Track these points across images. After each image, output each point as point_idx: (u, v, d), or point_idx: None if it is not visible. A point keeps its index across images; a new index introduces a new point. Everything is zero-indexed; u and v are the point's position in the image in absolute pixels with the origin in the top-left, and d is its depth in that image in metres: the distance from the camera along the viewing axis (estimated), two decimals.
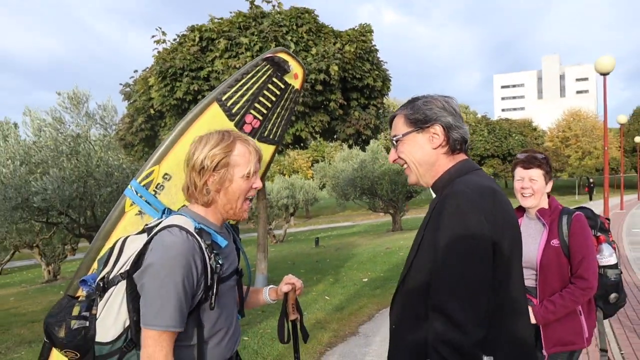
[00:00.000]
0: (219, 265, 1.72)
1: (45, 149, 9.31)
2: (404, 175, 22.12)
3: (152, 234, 1.72)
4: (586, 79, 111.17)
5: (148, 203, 2.20)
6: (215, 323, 1.78)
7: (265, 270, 9.09)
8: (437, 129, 1.63)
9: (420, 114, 1.65)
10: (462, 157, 1.67)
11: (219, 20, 8.30)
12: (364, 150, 10.28)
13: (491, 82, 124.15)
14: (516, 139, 19.83)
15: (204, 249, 1.69)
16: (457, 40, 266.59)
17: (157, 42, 8.57)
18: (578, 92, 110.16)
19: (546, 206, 2.74)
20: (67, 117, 9.99)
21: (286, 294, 2.11)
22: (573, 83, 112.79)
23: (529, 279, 2.72)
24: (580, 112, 57.55)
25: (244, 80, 2.37)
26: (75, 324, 1.76)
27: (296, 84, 2.51)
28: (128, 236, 1.88)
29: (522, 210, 2.84)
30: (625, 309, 6.77)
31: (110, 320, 1.74)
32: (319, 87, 7.65)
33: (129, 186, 2.23)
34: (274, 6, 8.47)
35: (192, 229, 1.69)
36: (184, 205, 1.89)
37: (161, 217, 1.94)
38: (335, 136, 9.00)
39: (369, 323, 6.69)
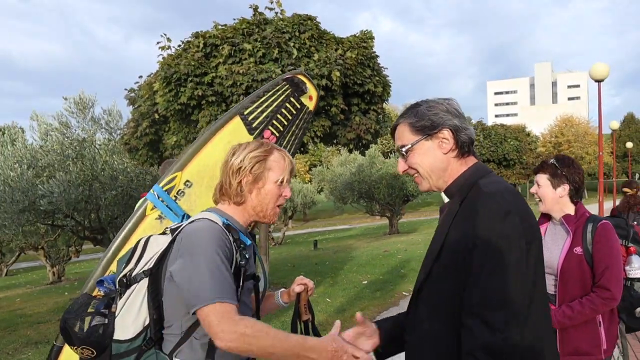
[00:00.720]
0: (244, 260, 1.76)
1: (52, 152, 9.39)
2: (400, 179, 22.37)
3: (178, 232, 1.77)
4: (578, 85, 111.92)
5: (169, 208, 2.25)
6: None
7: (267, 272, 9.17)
8: (446, 133, 1.58)
9: (426, 121, 1.59)
10: (473, 159, 1.63)
11: (223, 27, 8.38)
12: (363, 154, 10.42)
13: (485, 89, 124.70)
14: (511, 144, 20.03)
15: (231, 241, 1.74)
16: (452, 48, 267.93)
17: (162, 48, 8.66)
18: (570, 98, 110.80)
19: (572, 212, 2.65)
20: (73, 122, 10.07)
21: (298, 295, 2.10)
22: (565, 90, 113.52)
23: (549, 285, 2.63)
24: (572, 119, 58.01)
25: (264, 97, 2.48)
26: (94, 321, 1.77)
27: (310, 105, 2.61)
28: (151, 235, 1.91)
29: (548, 216, 2.76)
30: None
31: (131, 318, 1.76)
32: (321, 93, 7.79)
33: (151, 190, 2.28)
34: (276, 13, 8.58)
35: (220, 223, 1.74)
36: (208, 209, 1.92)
37: (181, 222, 1.99)
38: (335, 141, 9.10)
39: None
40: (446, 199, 1.66)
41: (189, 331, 1.73)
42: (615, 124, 30.28)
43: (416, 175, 1.65)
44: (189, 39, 8.47)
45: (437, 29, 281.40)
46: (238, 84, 7.62)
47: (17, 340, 7.34)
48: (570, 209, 2.66)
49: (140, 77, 9.29)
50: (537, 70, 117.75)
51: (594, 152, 50.92)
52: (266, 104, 2.47)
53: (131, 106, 9.39)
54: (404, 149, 1.64)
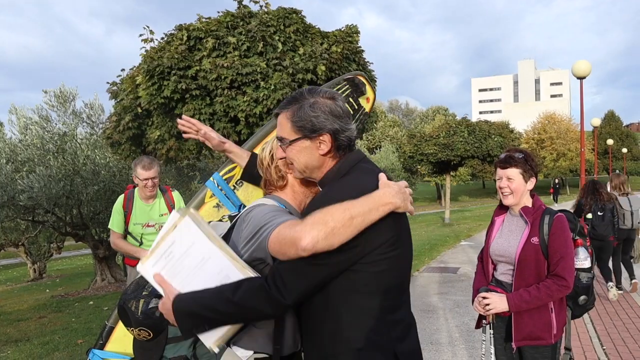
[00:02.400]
0: None
1: (32, 147, 9.24)
2: (386, 175, 22.44)
3: (236, 219, 1.81)
4: (560, 83, 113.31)
5: (227, 197, 2.27)
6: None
7: None
8: (325, 137, 1.64)
9: (307, 122, 1.63)
10: (344, 155, 1.69)
11: (207, 20, 8.28)
12: None
13: (469, 85, 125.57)
14: (495, 140, 20.15)
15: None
16: (437, 44, 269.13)
17: (145, 40, 8.53)
18: (552, 95, 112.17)
19: (530, 204, 2.80)
20: (54, 116, 9.93)
21: None
22: (548, 87, 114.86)
23: (506, 274, 2.82)
24: (554, 116, 58.78)
25: None
26: (151, 303, 1.80)
27: (367, 107, 2.64)
28: (210, 221, 1.95)
29: (505, 207, 2.92)
30: (605, 306, 7.01)
31: None
32: (306, 87, 7.74)
33: (211, 178, 2.31)
34: (261, 6, 8.51)
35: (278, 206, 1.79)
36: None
37: (238, 212, 2.01)
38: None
39: None
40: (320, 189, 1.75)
41: None
42: (597, 121, 30.74)
43: (291, 165, 1.73)
44: (173, 32, 8.38)
45: (423, 25, 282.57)
46: (222, 77, 7.55)
47: None
48: (529, 201, 2.81)
49: (123, 70, 9.16)
50: (520, 67, 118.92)
51: (576, 148, 51.64)
52: None
53: (113, 100, 9.27)
54: (281, 143, 1.71)
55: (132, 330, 1.83)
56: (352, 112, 2.52)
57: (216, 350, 1.63)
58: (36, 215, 9.60)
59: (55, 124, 9.94)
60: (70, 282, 12.75)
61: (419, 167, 22.42)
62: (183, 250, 1.58)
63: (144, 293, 1.83)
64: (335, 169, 1.67)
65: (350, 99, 2.53)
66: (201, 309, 1.53)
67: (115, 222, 4.58)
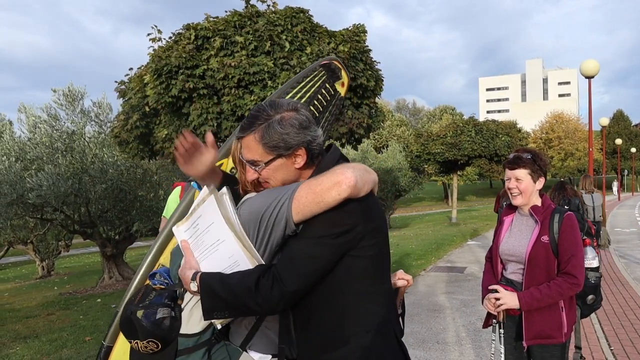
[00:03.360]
0: None
1: (41, 145, 9.30)
2: (393, 174, 22.42)
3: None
4: (568, 82, 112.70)
5: None
6: None
7: None
8: (300, 151, 1.61)
9: (280, 141, 1.59)
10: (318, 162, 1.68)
11: (215, 19, 8.29)
12: (356, 149, 10.40)
13: (477, 85, 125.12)
14: (503, 140, 20.07)
15: None
16: (444, 44, 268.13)
17: (153, 40, 8.55)
18: (560, 95, 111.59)
19: (539, 204, 2.81)
20: (62, 114, 9.99)
21: (397, 289, 2.00)
22: (556, 86, 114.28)
23: (517, 272, 2.82)
24: (562, 115, 58.47)
25: (303, 83, 2.51)
26: (159, 313, 1.71)
27: (342, 91, 2.63)
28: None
29: (513, 207, 2.93)
30: (612, 306, 6.98)
31: (200, 313, 1.65)
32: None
33: None
34: (269, 6, 8.51)
35: None
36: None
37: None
38: (328, 134, 9.05)
39: None
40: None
41: (259, 321, 1.70)
42: (605, 121, 30.48)
43: (266, 184, 1.67)
44: (180, 31, 8.40)
45: (430, 24, 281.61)
46: (230, 76, 7.56)
47: (5, 335, 7.27)
48: (538, 201, 2.83)
49: (131, 69, 9.18)
50: (528, 67, 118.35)
51: (584, 148, 51.34)
52: (305, 89, 2.50)
53: (121, 99, 9.28)
54: (253, 165, 1.64)
55: (138, 343, 1.72)
56: (329, 97, 2.54)
57: (219, 326, 1.63)
58: (44, 213, 9.65)
59: (64, 122, 10.01)
60: (78, 280, 12.84)
61: (426, 166, 22.38)
62: (205, 227, 1.58)
63: (147, 302, 1.76)
64: (315, 174, 1.64)
65: (327, 85, 2.53)
66: (227, 294, 1.50)
67: (169, 211, 4.62)
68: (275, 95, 2.47)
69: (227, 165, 2.29)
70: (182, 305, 1.77)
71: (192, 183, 2.25)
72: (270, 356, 1.70)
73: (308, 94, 2.50)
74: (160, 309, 1.72)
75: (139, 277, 2.12)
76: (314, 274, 1.51)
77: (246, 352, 1.70)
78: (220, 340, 1.74)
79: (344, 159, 1.70)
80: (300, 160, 1.62)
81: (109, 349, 2.10)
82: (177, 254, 1.86)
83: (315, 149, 1.63)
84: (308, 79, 2.51)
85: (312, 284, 1.53)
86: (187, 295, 1.77)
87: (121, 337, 1.91)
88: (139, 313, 1.72)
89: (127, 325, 1.75)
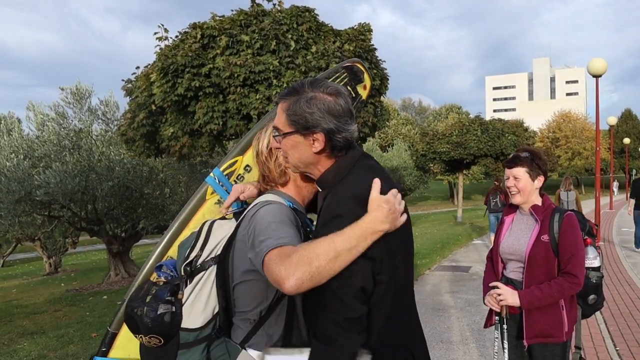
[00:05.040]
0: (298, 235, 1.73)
1: (48, 143, 9.38)
2: (398, 173, 22.46)
3: (243, 216, 1.72)
4: (576, 81, 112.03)
5: (228, 193, 2.16)
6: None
7: None
8: (318, 136, 1.56)
9: (301, 118, 1.56)
10: (342, 154, 1.62)
11: (221, 18, 8.30)
12: (361, 147, 10.39)
13: (483, 84, 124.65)
14: (509, 139, 20.01)
15: (299, 223, 1.70)
16: (451, 42, 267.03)
17: (160, 39, 8.58)
18: (568, 94, 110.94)
19: (540, 203, 2.82)
20: (70, 112, 10.07)
21: None
22: (563, 85, 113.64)
23: (517, 271, 2.83)
24: (570, 114, 58.16)
25: None
26: (160, 309, 1.72)
27: (364, 94, 2.60)
28: (214, 220, 1.87)
29: (514, 206, 2.93)
30: (619, 306, 6.96)
31: (200, 306, 1.72)
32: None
33: (211, 174, 2.23)
34: (274, 4, 8.53)
35: (286, 205, 1.72)
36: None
37: (240, 207, 1.94)
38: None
39: None
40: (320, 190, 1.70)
41: (261, 320, 1.70)
42: (613, 120, 30.34)
43: (286, 158, 1.67)
44: (187, 30, 8.41)
45: (437, 22, 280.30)
46: (235, 75, 7.58)
47: (13, 331, 7.35)
48: (538, 200, 2.84)
49: (138, 67, 9.23)
50: (535, 65, 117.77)
51: (592, 147, 51.06)
52: None
53: (128, 97, 9.33)
54: (276, 133, 1.64)
55: (142, 337, 1.75)
56: (350, 100, 2.54)
57: None
58: (52, 210, 9.74)
59: (71, 120, 10.09)
60: (85, 277, 12.93)
61: (432, 165, 22.34)
62: None
63: (148, 299, 1.76)
64: (334, 169, 1.61)
65: (348, 87, 2.50)
66: None
67: None
68: None
69: (242, 162, 2.26)
70: (183, 300, 1.77)
71: (206, 178, 2.26)
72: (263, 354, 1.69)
73: None
74: (162, 305, 1.73)
75: (147, 268, 2.13)
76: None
77: (245, 349, 1.69)
78: (220, 336, 1.74)
79: (367, 159, 1.64)
80: (318, 145, 1.57)
81: (114, 336, 2.13)
82: (184, 246, 1.88)
83: (338, 140, 1.57)
84: (330, 80, 2.45)
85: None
86: (188, 290, 1.77)
87: (126, 325, 1.93)
88: (141, 310, 1.74)
89: (130, 321, 1.77)
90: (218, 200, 2.22)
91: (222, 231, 1.82)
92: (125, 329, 2.02)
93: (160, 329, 1.71)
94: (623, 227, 17.42)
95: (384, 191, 1.49)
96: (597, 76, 13.89)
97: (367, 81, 2.60)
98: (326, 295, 1.43)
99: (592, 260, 2.91)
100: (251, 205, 1.75)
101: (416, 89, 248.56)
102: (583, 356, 4.69)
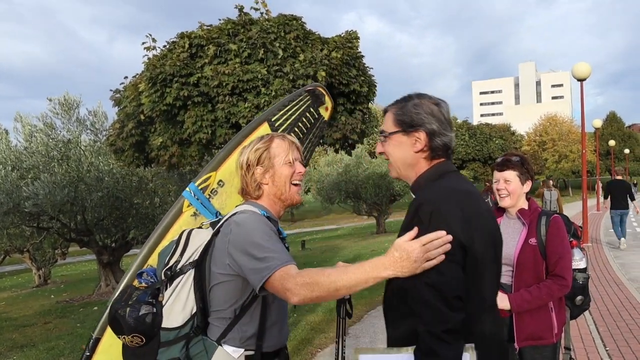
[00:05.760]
0: (286, 248, 1.91)
1: (37, 154, 9.32)
2: (387, 179, 22.46)
3: (220, 224, 1.90)
4: (561, 85, 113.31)
5: (203, 206, 2.37)
6: (274, 308, 1.91)
7: None
8: (421, 135, 1.67)
9: (407, 117, 1.68)
10: (439, 160, 1.71)
11: (208, 27, 8.33)
12: (350, 154, 10.43)
13: (470, 89, 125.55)
14: (497, 143, 20.22)
15: (274, 232, 1.86)
16: (438, 48, 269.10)
17: (147, 48, 8.60)
18: (553, 97, 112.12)
19: (526, 207, 2.86)
20: (58, 123, 10.02)
21: None
22: (549, 89, 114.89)
23: (505, 275, 2.81)
24: (556, 117, 58.68)
25: (289, 106, 2.68)
26: (142, 310, 1.85)
27: (326, 115, 2.80)
28: (192, 229, 2.04)
29: (502, 210, 2.96)
30: (608, 307, 7.01)
31: (179, 306, 1.85)
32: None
33: (187, 189, 2.41)
34: (262, 13, 8.56)
35: (260, 214, 1.89)
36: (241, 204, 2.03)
37: (215, 218, 2.13)
38: (322, 141, 9.10)
39: (358, 324, 6.79)
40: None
41: (236, 318, 1.85)
42: (598, 123, 30.70)
43: (389, 160, 1.78)
44: (175, 40, 8.42)
45: (423, 29, 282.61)
46: (224, 84, 7.60)
47: (2, 344, 7.27)
48: (525, 204, 2.88)
49: (126, 77, 9.23)
50: (521, 70, 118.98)
51: (578, 150, 51.52)
52: (290, 112, 2.67)
53: (116, 107, 9.31)
54: (382, 134, 1.77)
55: (125, 337, 1.88)
56: (312, 120, 2.73)
57: None
58: (41, 221, 9.67)
59: (60, 131, 10.04)
60: (75, 288, 12.81)
61: None
62: None
63: (131, 301, 1.89)
64: (428, 174, 1.70)
65: (311, 109, 2.71)
66: None
67: None
68: (262, 118, 2.65)
69: (215, 178, 2.43)
70: (163, 302, 1.89)
71: (183, 193, 2.41)
72: (242, 350, 1.84)
73: (293, 117, 2.67)
74: (144, 307, 1.86)
75: (129, 275, 2.27)
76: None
77: (221, 345, 1.83)
78: (198, 334, 1.85)
79: (458, 173, 1.74)
80: (419, 145, 1.68)
81: (97, 340, 2.23)
82: (164, 254, 2.01)
83: (437, 143, 1.68)
84: (294, 102, 2.69)
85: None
86: (168, 293, 1.90)
87: (109, 330, 2.05)
88: (124, 311, 1.86)
89: (114, 322, 1.89)
90: (194, 212, 2.38)
91: (200, 238, 1.95)
92: (108, 333, 2.15)
93: (142, 328, 1.83)
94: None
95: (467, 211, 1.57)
96: (581, 80, 14.08)
97: (329, 103, 2.79)
98: (422, 307, 1.49)
99: (578, 261, 2.96)
100: (229, 214, 1.91)
101: (404, 94, 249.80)
102: (573, 357, 4.74)
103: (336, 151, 9.89)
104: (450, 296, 1.47)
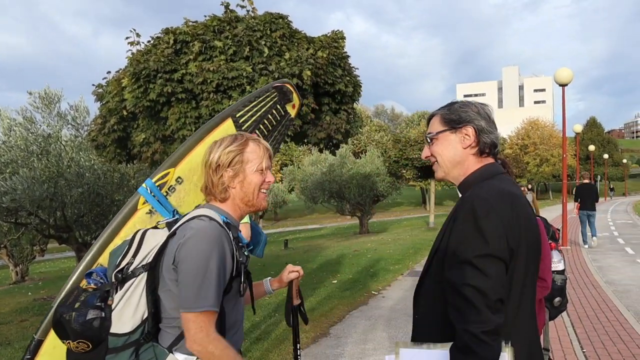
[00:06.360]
0: (243, 258, 1.83)
1: (15, 148, 9.15)
2: (371, 180, 22.55)
3: (176, 227, 1.81)
4: (543, 89, 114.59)
5: (160, 203, 2.26)
6: (233, 314, 1.86)
7: None
8: (469, 130, 1.72)
9: (455, 115, 1.75)
10: (489, 160, 1.76)
11: (194, 24, 8.26)
12: (334, 154, 10.44)
13: (454, 91, 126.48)
14: None
15: (231, 240, 1.79)
16: (424, 50, 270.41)
17: (131, 43, 8.50)
18: (536, 102, 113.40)
19: None
20: (38, 117, 9.87)
21: (291, 282, 2.25)
22: (531, 93, 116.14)
23: None
24: (538, 122, 59.49)
25: (255, 103, 2.61)
26: (89, 314, 1.77)
27: (292, 112, 2.76)
28: (147, 229, 1.94)
29: None
30: (585, 309, 7.11)
31: (130, 312, 1.77)
32: None
33: (143, 185, 2.30)
34: (248, 11, 8.52)
35: (220, 221, 1.78)
36: (199, 205, 1.96)
37: (172, 217, 2.05)
38: (306, 140, 9.10)
39: (339, 324, 6.79)
40: (459, 194, 1.78)
41: None
42: (579, 128, 31.19)
43: (435, 162, 1.81)
44: (159, 35, 8.34)
45: (410, 30, 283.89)
46: (208, 81, 7.55)
47: None
48: None
49: (109, 72, 9.12)
50: (504, 74, 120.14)
51: (559, 154, 52.30)
52: (256, 108, 2.60)
53: (99, 102, 9.20)
54: (429, 136, 1.81)
55: (69, 343, 1.80)
56: (279, 117, 2.70)
57: None
58: (19, 217, 9.49)
59: (40, 125, 9.88)
60: (53, 285, 12.60)
61: (404, 171, 22.55)
62: None
63: (77, 304, 1.81)
64: (478, 174, 1.73)
65: (278, 106, 2.67)
66: None
67: None
68: (226, 113, 2.56)
69: (173, 174, 2.33)
70: (113, 306, 1.81)
71: (138, 189, 2.30)
72: (195, 357, 1.75)
73: (259, 113, 2.61)
74: (91, 311, 1.78)
75: (76, 275, 2.14)
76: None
77: (172, 353, 1.77)
78: (149, 341, 1.78)
79: (504, 178, 1.74)
80: (467, 141, 1.73)
81: (40, 343, 2.13)
82: (116, 254, 1.92)
83: (485, 139, 1.73)
84: (260, 99, 2.63)
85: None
86: (118, 296, 1.82)
87: (52, 332, 1.96)
88: (69, 315, 1.78)
89: (59, 326, 1.81)
90: (149, 210, 2.28)
91: (155, 240, 1.87)
92: (51, 335, 2.05)
93: (88, 334, 1.76)
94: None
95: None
96: (563, 85, 14.28)
97: (296, 100, 2.76)
98: (464, 306, 1.51)
99: (557, 263, 3.01)
100: (187, 217, 1.82)
101: (389, 96, 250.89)
102: (551, 358, 4.80)
103: (320, 151, 9.89)
104: (493, 299, 1.48)
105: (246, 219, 4.42)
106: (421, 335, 1.72)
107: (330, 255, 13.91)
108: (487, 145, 1.73)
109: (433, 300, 1.68)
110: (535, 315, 1.74)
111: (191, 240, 1.70)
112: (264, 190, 1.96)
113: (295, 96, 2.73)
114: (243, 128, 2.54)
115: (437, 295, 1.65)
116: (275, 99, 2.65)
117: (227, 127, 2.50)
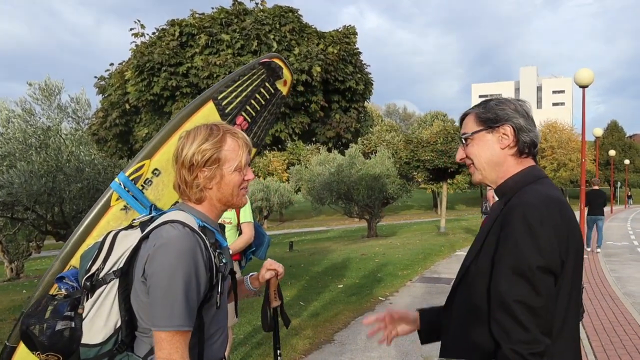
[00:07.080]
0: (223, 264, 1.70)
1: (13, 141, 9.12)
2: (380, 181, 22.25)
3: (149, 229, 1.66)
4: (563, 91, 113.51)
5: (135, 198, 2.15)
6: (214, 322, 1.73)
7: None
8: (507, 129, 1.62)
9: (491, 114, 1.64)
10: (529, 162, 1.64)
11: (201, 16, 8.21)
12: (343, 154, 10.28)
13: (469, 91, 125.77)
14: None
15: (208, 246, 1.65)
16: (439, 47, 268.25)
17: (136, 35, 8.45)
18: (554, 104, 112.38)
19: None
20: (38, 109, 9.91)
21: (268, 281, 2.08)
22: (550, 95, 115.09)
23: None
24: (556, 124, 58.68)
25: (239, 82, 2.42)
26: (58, 325, 1.68)
27: (284, 90, 2.58)
28: (119, 231, 1.80)
29: None
30: (602, 321, 6.88)
31: (101, 321, 1.67)
32: (301, 88, 7.57)
33: (116, 179, 2.17)
34: (257, 4, 8.45)
35: (195, 226, 1.64)
36: (177, 201, 1.86)
37: (149, 214, 1.89)
38: (314, 138, 8.96)
39: (344, 330, 6.62)
40: (496, 198, 1.70)
41: None
42: (599, 131, 30.57)
43: (471, 165, 1.70)
44: (164, 27, 8.36)
45: (425, 27, 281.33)
46: (214, 75, 7.50)
47: None
48: None
49: (112, 64, 9.09)
50: (522, 74, 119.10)
51: (577, 159, 51.51)
52: (240, 88, 2.43)
53: (101, 95, 9.19)
54: (464, 137, 1.69)
55: (39, 354, 1.72)
56: (268, 96, 2.53)
57: None
58: (15, 212, 9.43)
59: (39, 117, 9.91)
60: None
61: (415, 173, 22.17)
62: None
63: (47, 314, 1.72)
64: (520, 177, 1.61)
65: (267, 84, 2.51)
66: None
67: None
68: (206, 95, 2.39)
69: (149, 166, 2.20)
70: (83, 315, 1.71)
71: (111, 184, 2.19)
72: None
73: (244, 93, 2.43)
74: (60, 322, 1.69)
75: (46, 280, 2.05)
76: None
77: None
78: (122, 351, 1.68)
79: (547, 182, 1.63)
80: (506, 141, 1.62)
81: (13, 350, 2.05)
82: (86, 258, 1.80)
83: (525, 138, 1.61)
84: (245, 77, 2.45)
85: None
86: (88, 305, 1.71)
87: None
88: (37, 328, 1.70)
89: (26, 339, 1.73)
90: (124, 206, 2.17)
91: (127, 242, 1.74)
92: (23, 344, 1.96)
93: (58, 346, 1.68)
94: (608, 240, 17.35)
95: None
96: (583, 86, 14.01)
97: (287, 76, 2.58)
98: (511, 324, 1.41)
99: None
100: (158, 221, 1.66)
101: (401, 95, 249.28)
102: None
103: (329, 150, 9.72)
104: (544, 318, 1.41)
105: (250, 219, 4.17)
106: (452, 350, 1.65)
107: (336, 258, 13.70)
108: (526, 144, 1.62)
109: (467, 312, 1.59)
110: (579, 330, 1.62)
111: (160, 253, 1.56)
112: (243, 187, 1.81)
113: (286, 72, 2.55)
114: (227, 111, 2.38)
115: (473, 307, 1.55)
116: (263, 76, 2.47)
117: (208, 112, 2.35)
